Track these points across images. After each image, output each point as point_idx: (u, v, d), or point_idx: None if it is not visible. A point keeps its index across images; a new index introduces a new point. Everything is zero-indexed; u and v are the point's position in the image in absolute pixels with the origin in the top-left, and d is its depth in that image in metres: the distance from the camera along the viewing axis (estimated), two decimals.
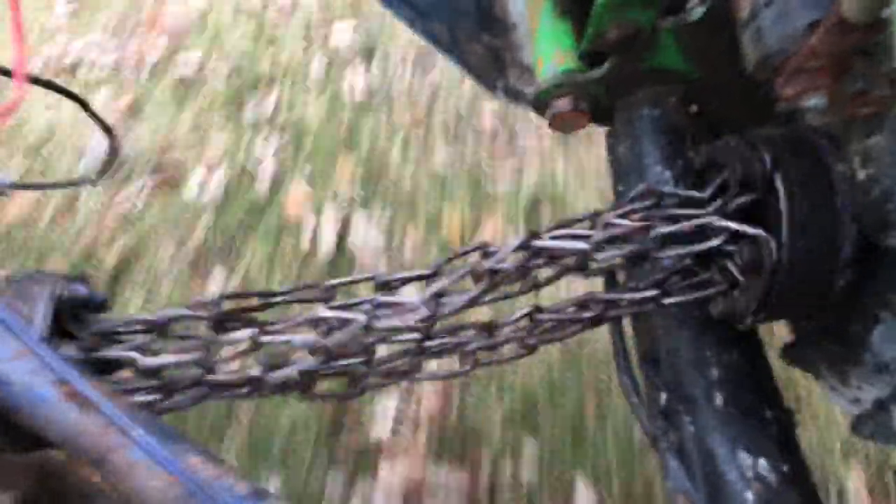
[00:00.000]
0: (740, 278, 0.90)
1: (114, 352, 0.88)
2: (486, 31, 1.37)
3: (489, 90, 1.40)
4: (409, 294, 0.93)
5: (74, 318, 0.89)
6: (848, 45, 0.73)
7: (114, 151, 2.00)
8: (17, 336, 0.79)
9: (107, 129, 1.90)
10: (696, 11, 1.04)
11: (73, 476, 1.01)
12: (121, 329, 0.91)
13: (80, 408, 0.76)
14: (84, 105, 1.78)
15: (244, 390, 0.90)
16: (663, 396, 1.01)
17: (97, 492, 1.02)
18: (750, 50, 0.86)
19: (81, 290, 0.91)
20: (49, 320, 0.85)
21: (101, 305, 0.94)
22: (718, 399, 0.95)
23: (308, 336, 0.89)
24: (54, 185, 2.64)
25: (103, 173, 2.17)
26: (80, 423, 0.75)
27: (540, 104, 1.19)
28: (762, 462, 0.90)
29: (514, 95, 1.39)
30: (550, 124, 1.19)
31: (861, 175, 0.80)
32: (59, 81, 1.64)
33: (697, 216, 0.90)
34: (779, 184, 0.82)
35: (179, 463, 0.73)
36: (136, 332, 0.92)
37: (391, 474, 2.01)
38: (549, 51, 1.19)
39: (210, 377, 0.89)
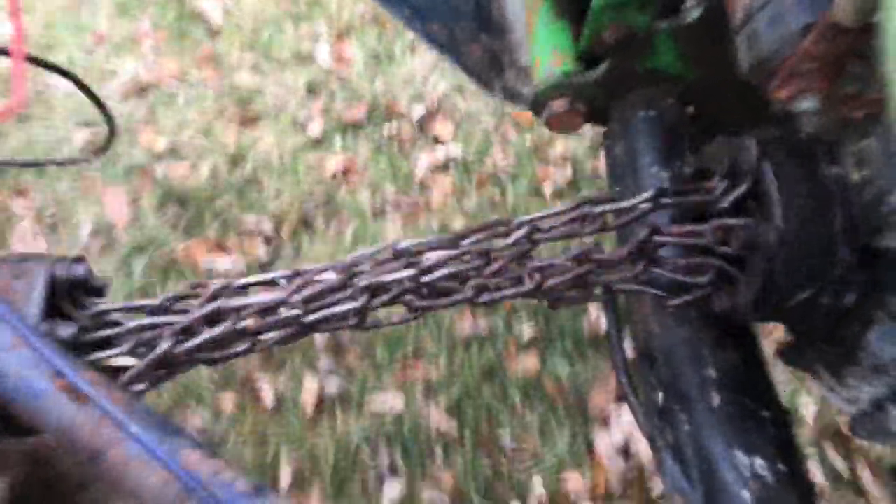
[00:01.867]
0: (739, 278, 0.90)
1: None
2: (484, 32, 1.38)
3: (487, 91, 1.41)
4: None
5: (72, 301, 0.89)
6: (841, 48, 0.74)
7: (111, 129, 2.00)
8: (13, 327, 0.78)
9: (103, 108, 1.90)
10: (692, 14, 1.05)
11: (68, 463, 1.00)
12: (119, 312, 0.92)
13: (75, 402, 0.74)
14: (80, 84, 1.78)
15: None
16: (660, 395, 1.01)
17: (91, 478, 1.01)
18: (745, 52, 0.86)
19: (79, 271, 0.91)
20: (44, 304, 0.84)
21: (100, 290, 0.94)
22: (715, 398, 0.95)
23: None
24: (53, 163, 2.61)
25: (102, 150, 2.16)
26: (75, 418, 0.74)
27: (537, 105, 1.19)
28: (759, 461, 0.91)
29: (511, 96, 1.39)
30: (547, 125, 1.19)
31: (855, 177, 0.80)
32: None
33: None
34: (773, 185, 0.83)
35: (178, 459, 0.72)
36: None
37: None
38: (546, 52, 1.20)
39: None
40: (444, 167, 2.78)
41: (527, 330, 2.34)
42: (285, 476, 2.31)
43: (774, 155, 0.85)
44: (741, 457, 0.91)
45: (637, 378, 1.07)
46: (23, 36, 1.24)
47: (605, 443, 2.16)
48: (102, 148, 2.28)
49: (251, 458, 2.31)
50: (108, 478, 0.74)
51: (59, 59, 2.98)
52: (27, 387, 0.75)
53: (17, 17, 1.23)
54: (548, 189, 2.69)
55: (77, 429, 0.74)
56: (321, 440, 2.36)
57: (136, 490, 0.72)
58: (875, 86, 0.75)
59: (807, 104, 0.80)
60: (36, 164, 2.67)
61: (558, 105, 1.16)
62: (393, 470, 2.32)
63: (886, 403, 0.86)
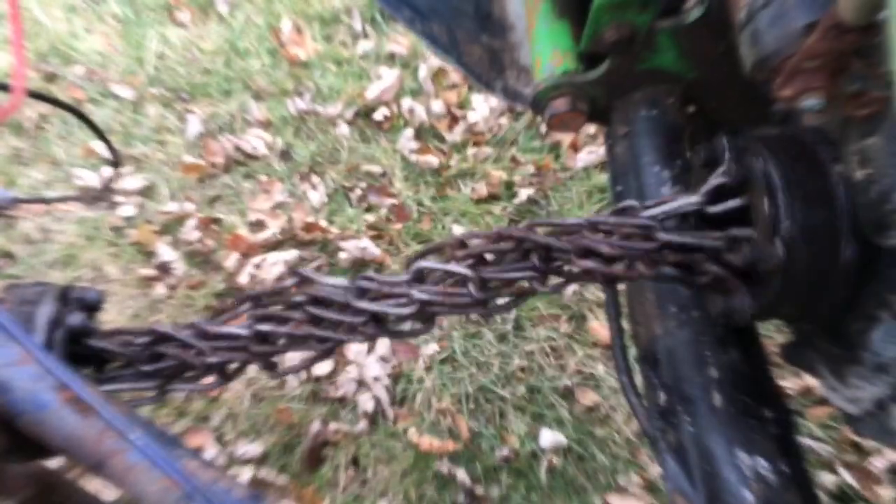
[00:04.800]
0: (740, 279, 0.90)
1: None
2: (484, 32, 1.38)
3: (488, 90, 1.41)
4: None
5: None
6: (845, 46, 0.73)
7: (115, 164, 2.00)
8: (19, 342, 0.79)
9: (108, 143, 1.90)
10: (693, 13, 1.05)
11: (72, 488, 1.02)
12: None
13: (80, 413, 0.76)
14: (86, 119, 1.77)
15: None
16: (662, 396, 1.01)
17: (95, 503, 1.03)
18: (747, 51, 0.86)
19: (83, 295, 0.93)
20: (50, 326, 0.86)
21: (96, 305, 0.95)
22: (717, 399, 0.95)
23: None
24: (59, 199, 2.64)
25: (107, 185, 2.17)
26: (79, 428, 0.76)
27: (538, 105, 1.19)
28: (761, 462, 0.90)
29: (512, 96, 1.39)
30: (548, 124, 1.19)
31: (859, 175, 0.80)
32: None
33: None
34: (777, 184, 0.82)
35: (178, 466, 0.73)
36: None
37: None
38: (546, 52, 1.20)
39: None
40: None
41: None
42: (286, 27, 3.46)
43: (780, 159, 0.84)
44: (744, 457, 0.91)
45: (639, 378, 1.07)
46: (23, 33, 1.24)
47: None
48: (108, 182, 2.30)
49: (262, 20, 3.52)
50: (112, 484, 0.75)
51: None
52: (33, 400, 0.77)
53: (20, 53, 1.24)
54: None
55: (81, 439, 0.76)
56: (311, 7, 3.53)
57: (138, 496, 0.73)
58: (878, 84, 0.75)
59: (810, 102, 0.80)
60: (44, 201, 2.69)
61: (559, 105, 1.16)
62: (365, 34, 3.46)
63: (889, 403, 0.86)
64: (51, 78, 3.32)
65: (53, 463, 0.95)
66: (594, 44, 1.11)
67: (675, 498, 0.95)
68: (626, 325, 1.08)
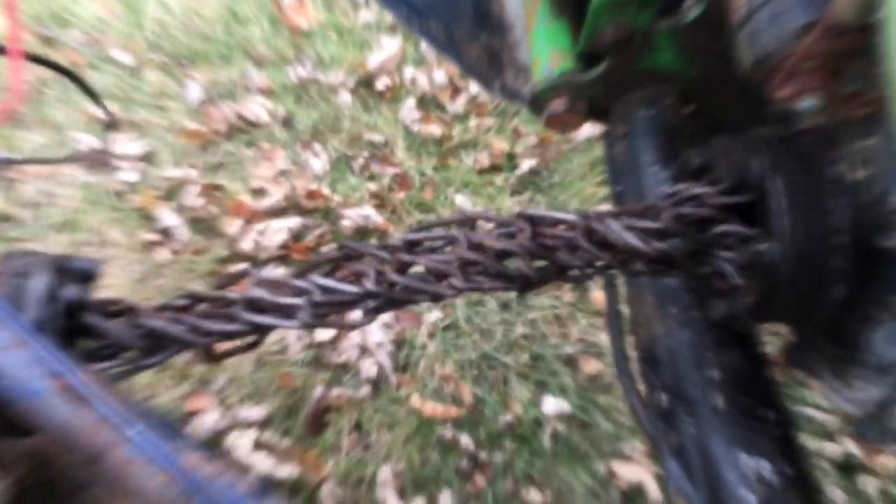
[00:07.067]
0: (738, 280, 0.90)
1: None
2: (483, 31, 1.37)
3: (486, 89, 1.40)
4: None
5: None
6: (842, 46, 0.73)
7: (112, 125, 1.99)
8: (10, 326, 0.77)
9: (101, 104, 1.89)
10: (692, 12, 1.04)
11: (69, 462, 1.01)
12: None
13: (74, 403, 0.74)
14: (79, 81, 1.77)
15: None
16: (663, 398, 1.02)
17: (91, 480, 1.02)
18: (745, 51, 0.85)
19: (77, 265, 0.91)
20: (45, 301, 0.84)
21: (93, 275, 0.93)
22: (719, 400, 0.95)
23: None
24: (57, 161, 2.62)
25: (103, 148, 2.16)
26: (74, 419, 0.73)
27: (536, 104, 1.19)
28: (763, 463, 0.90)
29: (511, 95, 1.38)
30: (547, 124, 1.19)
31: (859, 175, 0.80)
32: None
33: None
34: (776, 184, 0.82)
35: (178, 461, 0.72)
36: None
37: None
38: (545, 51, 1.19)
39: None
40: None
41: None
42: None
43: (778, 156, 0.84)
44: (745, 459, 0.91)
45: (640, 379, 1.07)
46: (20, 29, 1.23)
47: None
48: (103, 142, 2.28)
49: None
50: (109, 478, 0.74)
51: None
52: (26, 387, 0.75)
53: (13, 14, 1.22)
54: None
55: (77, 430, 0.73)
56: None
57: (137, 492, 0.72)
58: (876, 84, 0.74)
59: (808, 103, 0.80)
60: (40, 162, 2.67)
61: (557, 105, 1.16)
62: (366, 2, 3.37)
63: (892, 405, 0.86)
64: (49, 42, 3.28)
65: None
66: (592, 43, 1.11)
67: (677, 499, 0.96)
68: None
